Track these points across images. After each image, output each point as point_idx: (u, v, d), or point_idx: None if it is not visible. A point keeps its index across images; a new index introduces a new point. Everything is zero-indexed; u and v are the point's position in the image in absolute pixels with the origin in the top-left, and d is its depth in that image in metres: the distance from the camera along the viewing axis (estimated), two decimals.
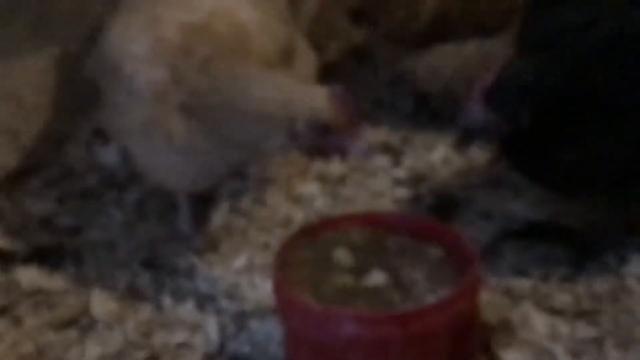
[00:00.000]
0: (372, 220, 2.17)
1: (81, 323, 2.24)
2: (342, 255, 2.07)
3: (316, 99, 1.99)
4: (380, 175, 2.73)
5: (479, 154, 2.68)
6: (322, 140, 2.01)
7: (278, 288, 1.99)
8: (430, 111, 2.89)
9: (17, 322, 2.24)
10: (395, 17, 2.73)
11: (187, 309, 2.27)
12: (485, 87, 2.13)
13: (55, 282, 2.36)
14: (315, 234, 2.13)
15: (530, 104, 2.13)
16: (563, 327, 2.20)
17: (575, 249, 2.44)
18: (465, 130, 2.17)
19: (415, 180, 2.71)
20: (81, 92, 2.74)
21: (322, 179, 2.71)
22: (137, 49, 2.13)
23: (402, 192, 2.67)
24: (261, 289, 2.30)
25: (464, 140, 2.23)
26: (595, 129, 2.20)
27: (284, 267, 2.02)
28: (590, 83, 2.17)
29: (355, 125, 2.00)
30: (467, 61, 2.75)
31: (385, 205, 2.61)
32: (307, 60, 2.43)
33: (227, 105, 2.04)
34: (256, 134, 2.05)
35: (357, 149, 2.01)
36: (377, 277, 2.01)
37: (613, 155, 2.22)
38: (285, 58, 2.27)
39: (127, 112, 2.16)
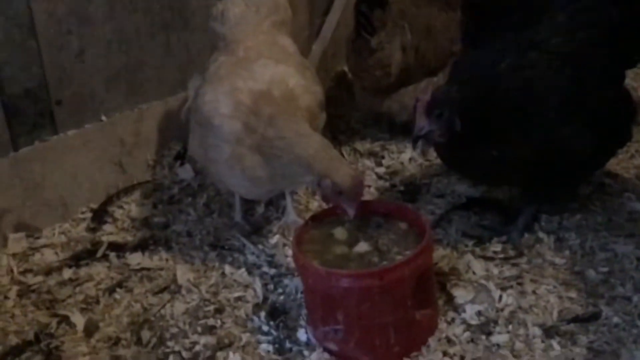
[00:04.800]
0: (360, 206, 2.10)
1: (171, 289, 2.26)
2: (339, 233, 2.07)
3: (345, 174, 2.00)
4: (368, 172, 2.72)
5: (434, 155, 2.63)
6: (333, 196, 2.03)
7: (296, 257, 2.00)
8: (400, 128, 2.84)
9: (128, 291, 2.27)
10: (373, 76, 2.69)
11: (241, 274, 2.28)
12: (425, 104, 2.07)
13: (153, 262, 2.38)
14: (321, 218, 2.13)
15: (458, 112, 2.07)
16: (494, 269, 2.20)
17: (502, 214, 2.41)
18: (416, 137, 2.11)
19: (392, 174, 2.70)
20: (164, 131, 2.78)
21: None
22: (223, 108, 2.11)
23: (383, 184, 2.65)
24: (290, 257, 2.28)
25: (417, 144, 2.15)
26: (507, 136, 2.13)
27: (300, 242, 2.02)
28: (496, 101, 2.12)
29: (357, 201, 2.02)
30: None
31: (371, 193, 2.58)
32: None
33: (288, 149, 2.04)
34: (297, 173, 2.06)
35: (349, 213, 2.04)
36: (363, 247, 2.01)
37: (522, 157, 2.14)
38: (322, 109, 2.27)
39: (216, 149, 2.14)
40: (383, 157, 2.79)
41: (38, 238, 2.48)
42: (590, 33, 2.21)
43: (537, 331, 1.97)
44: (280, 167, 2.07)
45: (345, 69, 3.09)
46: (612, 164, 2.49)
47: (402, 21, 2.68)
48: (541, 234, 2.31)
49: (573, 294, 2.08)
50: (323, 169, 2.00)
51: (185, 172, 2.74)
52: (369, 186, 2.62)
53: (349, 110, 3.03)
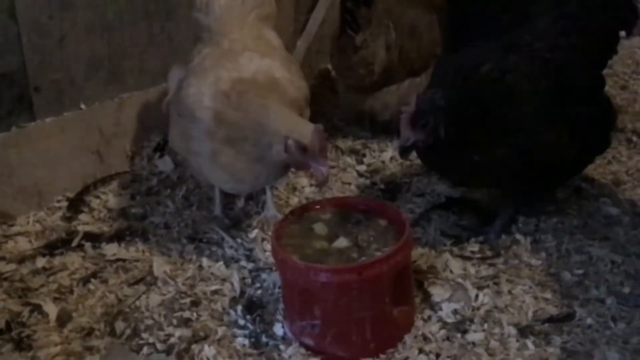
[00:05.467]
0: (340, 203, 2.16)
1: (147, 280, 2.24)
2: (319, 228, 2.07)
3: (305, 129, 1.99)
4: (349, 170, 2.73)
5: (415, 155, 2.60)
6: (301, 158, 2.00)
7: (275, 251, 1.99)
8: (382, 127, 2.86)
9: (103, 281, 2.25)
10: (356, 74, 2.69)
11: (219, 268, 2.27)
12: (410, 114, 2.07)
13: (129, 253, 2.36)
14: (301, 213, 2.12)
15: (443, 121, 2.07)
16: (471, 269, 2.21)
17: (480, 215, 2.42)
18: (402, 147, 2.12)
19: (372, 172, 2.70)
20: (144, 122, 2.75)
21: (310, 175, 2.64)
22: (207, 101, 2.09)
23: (363, 181, 2.66)
24: (269, 252, 2.29)
25: (403, 154, 2.17)
26: (488, 140, 2.14)
27: (279, 236, 2.02)
28: (480, 106, 2.13)
29: (323, 155, 1.99)
30: (405, 95, 2.71)
31: (352, 190, 2.59)
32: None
33: (253, 120, 2.02)
34: (263, 144, 2.03)
35: (319, 173, 1.99)
36: (342, 242, 2.01)
37: (502, 161, 2.16)
38: (307, 103, 2.27)
39: (198, 142, 2.12)
40: (364, 155, 2.80)
41: (12, 226, 2.45)
42: (571, 39, 2.23)
43: (512, 330, 1.99)
44: (248, 145, 2.04)
45: (329, 66, 3.09)
46: (589, 169, 2.52)
47: (387, 20, 2.69)
48: (518, 236, 2.33)
49: (548, 295, 2.10)
50: (281, 127, 1.98)
51: (165, 164, 2.72)
52: (350, 183, 2.63)
53: (332, 107, 3.03)
